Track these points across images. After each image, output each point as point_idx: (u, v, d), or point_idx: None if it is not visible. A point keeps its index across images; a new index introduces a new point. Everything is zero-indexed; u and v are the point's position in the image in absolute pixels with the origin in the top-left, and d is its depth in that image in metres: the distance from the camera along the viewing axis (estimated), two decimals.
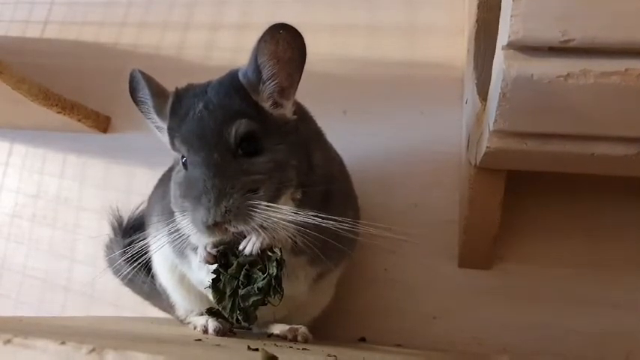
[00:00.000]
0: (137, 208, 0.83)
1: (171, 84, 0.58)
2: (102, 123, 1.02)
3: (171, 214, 0.55)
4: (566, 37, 0.42)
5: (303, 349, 0.47)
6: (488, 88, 0.53)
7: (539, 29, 0.42)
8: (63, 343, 0.31)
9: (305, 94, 0.57)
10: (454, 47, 0.85)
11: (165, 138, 0.57)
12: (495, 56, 0.47)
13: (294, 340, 0.56)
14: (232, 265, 0.51)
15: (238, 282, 0.51)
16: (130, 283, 0.81)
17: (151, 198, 0.71)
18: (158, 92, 0.57)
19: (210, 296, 0.52)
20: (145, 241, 0.59)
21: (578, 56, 0.42)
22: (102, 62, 1.06)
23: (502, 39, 0.45)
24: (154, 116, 0.58)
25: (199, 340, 0.46)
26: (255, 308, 0.50)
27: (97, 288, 0.93)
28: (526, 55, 0.44)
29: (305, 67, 0.53)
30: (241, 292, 0.50)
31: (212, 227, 0.49)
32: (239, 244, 0.50)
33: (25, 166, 1.06)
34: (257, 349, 0.38)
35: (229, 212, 0.48)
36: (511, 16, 0.43)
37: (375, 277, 0.81)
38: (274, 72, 0.52)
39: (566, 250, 0.75)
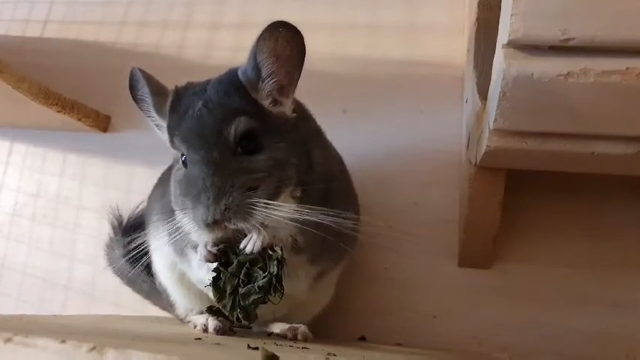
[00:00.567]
0: (137, 207, 0.83)
1: (171, 83, 0.58)
2: (102, 122, 1.02)
3: (171, 212, 0.55)
4: (566, 36, 0.42)
5: (303, 347, 0.47)
6: (488, 87, 0.53)
7: (540, 28, 0.42)
8: (63, 341, 0.31)
9: (305, 93, 0.57)
10: (454, 46, 0.85)
11: (164, 136, 0.57)
12: (495, 55, 0.47)
13: (294, 339, 0.56)
14: (232, 263, 0.51)
15: (239, 280, 0.51)
16: (129, 282, 0.81)
17: (151, 197, 0.71)
18: (158, 90, 0.58)
19: (211, 294, 0.52)
20: (145, 239, 0.59)
21: (579, 55, 0.42)
22: (102, 61, 1.06)
23: (502, 38, 0.45)
24: (154, 114, 0.58)
25: (199, 338, 0.46)
26: (255, 307, 0.50)
27: (97, 287, 0.93)
28: (526, 54, 0.44)
29: (305, 65, 0.52)
30: (242, 290, 0.50)
31: (212, 225, 0.49)
32: (239, 242, 0.51)
33: (25, 165, 1.06)
34: (257, 348, 0.38)
35: (229, 210, 0.48)
36: (511, 15, 0.42)
37: (375, 276, 0.81)
38: (273, 70, 0.52)
39: (566, 250, 0.75)
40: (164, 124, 0.57)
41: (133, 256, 0.66)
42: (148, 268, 0.73)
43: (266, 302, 0.50)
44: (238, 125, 0.50)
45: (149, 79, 0.57)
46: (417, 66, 0.87)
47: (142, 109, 0.59)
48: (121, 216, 0.83)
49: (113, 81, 0.96)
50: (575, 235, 0.75)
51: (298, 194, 0.52)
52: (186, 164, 0.52)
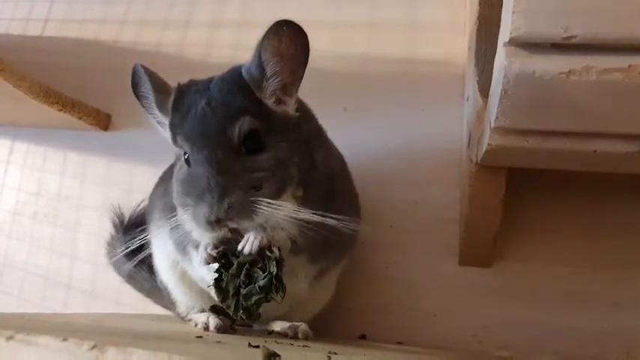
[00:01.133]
0: (138, 206, 0.83)
1: (172, 81, 0.58)
2: (102, 121, 1.02)
3: (173, 210, 0.55)
4: (568, 34, 0.42)
5: (303, 346, 0.47)
6: (489, 85, 0.53)
7: (541, 26, 0.42)
8: (64, 339, 0.31)
9: (305, 92, 0.57)
10: (455, 44, 0.85)
11: (166, 134, 0.57)
12: (497, 53, 0.47)
13: (295, 337, 0.56)
14: (233, 265, 0.51)
15: (240, 282, 0.51)
16: (131, 280, 0.81)
17: (153, 195, 0.71)
18: (160, 87, 0.57)
19: (214, 295, 0.52)
20: (146, 236, 0.59)
21: (581, 53, 0.42)
22: (102, 60, 1.06)
23: (504, 36, 0.45)
24: (156, 112, 0.58)
25: (200, 337, 0.46)
26: (258, 307, 0.50)
27: (98, 285, 0.94)
28: (528, 52, 0.43)
29: None
30: (243, 291, 0.50)
31: (214, 223, 0.49)
32: (238, 244, 0.51)
33: (26, 164, 1.06)
34: (258, 346, 0.38)
35: (232, 209, 0.48)
36: (513, 13, 0.42)
37: (376, 274, 0.81)
38: (277, 69, 0.52)
39: (567, 249, 0.75)
40: (166, 121, 0.57)
41: (134, 254, 0.66)
42: (149, 267, 0.73)
43: (269, 301, 0.50)
44: (242, 125, 0.50)
45: (151, 76, 0.57)
46: (417, 64, 0.87)
47: (143, 106, 0.59)
48: (122, 214, 0.83)
49: (114, 79, 0.96)
50: (575, 234, 0.75)
51: (300, 193, 0.52)
52: (189, 163, 0.52)
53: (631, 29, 0.41)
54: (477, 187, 0.64)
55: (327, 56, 0.88)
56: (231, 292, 0.51)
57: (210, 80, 0.55)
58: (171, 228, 0.56)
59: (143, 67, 0.58)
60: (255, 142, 0.51)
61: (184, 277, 0.64)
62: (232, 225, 0.49)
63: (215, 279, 0.51)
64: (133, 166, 0.97)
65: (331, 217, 0.49)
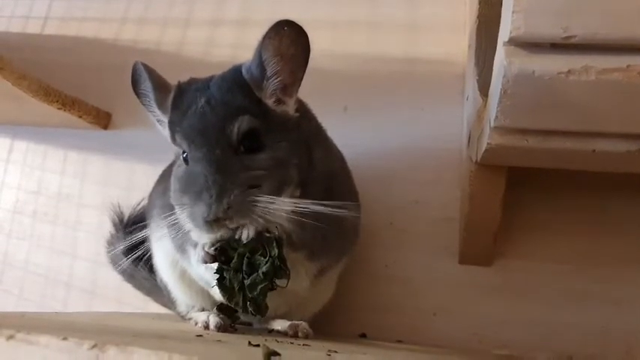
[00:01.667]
0: (138, 204, 0.83)
1: (171, 80, 0.58)
2: (102, 119, 1.01)
3: (172, 209, 0.55)
4: (567, 34, 0.42)
5: (303, 345, 0.48)
6: (489, 85, 0.53)
7: (541, 25, 0.42)
8: (65, 338, 0.31)
9: (305, 91, 0.57)
10: (455, 43, 0.85)
11: (166, 132, 0.57)
12: (496, 52, 0.47)
13: (295, 336, 0.56)
14: (233, 258, 0.51)
15: (242, 273, 0.50)
16: (131, 279, 0.81)
17: (152, 194, 0.71)
18: (160, 85, 0.57)
19: (218, 296, 0.52)
20: (146, 234, 0.59)
21: (580, 52, 0.42)
22: (102, 58, 1.05)
23: (503, 35, 0.45)
24: (156, 109, 0.58)
25: (200, 336, 0.46)
26: (264, 297, 0.50)
27: (98, 284, 0.94)
28: (527, 52, 0.43)
29: None
30: (247, 282, 0.50)
31: (212, 223, 0.49)
32: (236, 239, 0.50)
33: (25, 163, 1.06)
34: (258, 345, 0.38)
35: (230, 208, 0.48)
36: (513, 12, 0.42)
37: (376, 273, 0.81)
38: (278, 69, 0.52)
39: (567, 247, 0.75)
40: (166, 119, 0.56)
41: (134, 252, 0.66)
42: (150, 265, 0.73)
43: (274, 288, 0.50)
44: (241, 124, 0.50)
45: (151, 74, 0.57)
46: (417, 63, 0.87)
47: (143, 104, 0.59)
48: (122, 213, 0.83)
49: (114, 78, 0.96)
50: (575, 232, 0.75)
51: (298, 194, 0.52)
52: (188, 161, 0.52)
53: (630, 29, 0.41)
54: (476, 186, 0.64)
55: (327, 55, 0.88)
56: (236, 288, 0.50)
57: (210, 79, 0.55)
58: (170, 227, 0.56)
59: (143, 64, 0.58)
60: (254, 142, 0.51)
61: (184, 276, 0.64)
62: (231, 225, 0.49)
63: (217, 279, 0.51)
64: (133, 165, 0.97)
65: (332, 207, 0.48)
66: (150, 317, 0.71)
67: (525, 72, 0.44)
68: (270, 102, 0.53)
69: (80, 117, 0.97)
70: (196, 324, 0.59)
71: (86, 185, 1.00)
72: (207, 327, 0.56)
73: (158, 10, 1.05)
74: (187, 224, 0.52)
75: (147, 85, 0.57)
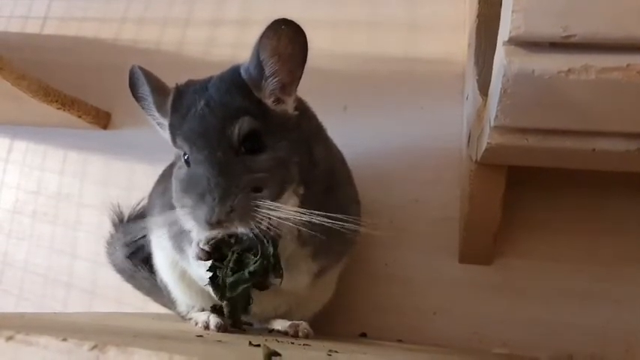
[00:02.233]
0: (138, 204, 0.83)
1: (171, 80, 0.58)
2: (102, 119, 1.01)
3: (172, 209, 0.55)
4: (567, 33, 0.42)
5: (304, 344, 0.47)
6: (489, 84, 0.53)
7: (541, 25, 0.42)
8: (64, 339, 0.31)
9: (305, 90, 0.57)
10: (455, 43, 0.85)
11: (166, 134, 0.57)
12: (496, 52, 0.47)
13: (296, 335, 0.56)
14: (227, 256, 0.51)
15: (227, 270, 0.50)
16: (131, 279, 0.81)
17: (152, 194, 0.71)
18: (158, 88, 0.57)
19: (213, 294, 0.52)
20: (144, 233, 0.59)
21: (580, 52, 0.42)
22: (102, 58, 1.05)
23: (503, 34, 0.45)
24: (155, 113, 0.58)
25: (201, 336, 0.46)
26: (245, 297, 0.49)
27: (98, 284, 0.94)
28: (527, 51, 0.43)
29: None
30: (229, 279, 0.50)
31: (214, 225, 0.49)
32: (231, 236, 0.50)
33: (25, 163, 1.06)
34: (258, 345, 0.38)
35: (234, 212, 0.48)
36: (512, 12, 0.42)
37: (376, 272, 0.81)
38: (276, 68, 0.51)
39: (567, 246, 0.75)
40: (165, 122, 0.56)
41: (134, 252, 0.66)
42: (150, 265, 0.73)
43: (267, 287, 0.49)
44: (242, 125, 0.50)
45: (149, 77, 0.57)
46: (417, 63, 0.87)
47: (142, 107, 0.59)
48: (121, 213, 0.83)
49: (113, 78, 0.95)
50: (575, 231, 0.75)
51: (301, 192, 0.52)
52: (189, 163, 0.52)
53: (630, 29, 0.41)
54: (476, 186, 0.64)
55: (326, 55, 0.88)
56: (227, 287, 0.50)
57: (208, 80, 0.55)
58: (170, 226, 0.56)
59: (141, 68, 0.57)
60: (254, 143, 0.51)
61: (184, 276, 0.64)
62: (232, 229, 0.49)
63: (210, 277, 0.51)
64: (133, 165, 0.97)
65: (333, 218, 0.49)
66: (150, 317, 0.71)
67: (525, 71, 0.43)
68: (269, 102, 0.53)
69: (80, 117, 0.97)
70: (196, 324, 0.59)
71: (86, 185, 1.00)
72: (207, 327, 0.56)
73: (158, 10, 1.05)
74: (187, 224, 0.52)
75: (145, 89, 0.57)
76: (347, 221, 0.49)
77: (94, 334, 0.37)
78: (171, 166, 0.60)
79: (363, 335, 0.77)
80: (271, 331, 0.59)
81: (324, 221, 0.49)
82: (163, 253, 0.66)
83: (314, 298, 0.66)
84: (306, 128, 0.56)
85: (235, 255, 0.50)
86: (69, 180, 1.02)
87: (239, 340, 0.44)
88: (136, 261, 0.78)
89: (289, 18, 0.50)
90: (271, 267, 0.49)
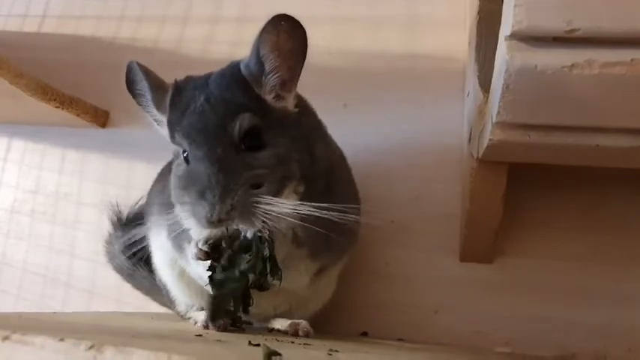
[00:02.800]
0: (136, 203, 0.82)
1: (170, 78, 0.57)
2: (100, 118, 1.01)
3: (171, 208, 0.55)
4: (570, 27, 0.41)
5: (304, 344, 0.47)
6: (490, 80, 0.53)
7: (544, 19, 0.41)
8: (62, 339, 0.31)
9: (305, 87, 0.56)
10: (455, 39, 0.84)
11: (164, 131, 0.56)
12: (498, 47, 0.47)
13: (296, 334, 0.55)
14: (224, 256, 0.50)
15: (219, 267, 0.50)
16: (130, 278, 0.81)
17: (151, 192, 0.71)
18: (156, 85, 0.57)
19: (212, 293, 0.52)
20: (143, 233, 0.59)
21: (583, 46, 0.42)
22: (100, 56, 1.05)
23: (505, 29, 0.44)
24: (153, 109, 0.57)
25: (200, 335, 0.46)
26: (247, 296, 0.49)
27: (97, 283, 0.93)
28: (530, 46, 0.43)
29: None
30: (218, 277, 0.49)
31: (215, 223, 0.48)
32: (229, 235, 0.50)
33: (24, 162, 1.06)
34: (258, 345, 0.38)
35: (234, 210, 0.48)
36: (514, 6, 0.42)
37: (376, 271, 0.80)
38: (276, 64, 0.51)
39: (569, 244, 0.74)
40: (164, 119, 0.56)
41: (132, 251, 0.66)
42: (149, 264, 0.72)
43: (265, 289, 0.49)
44: (242, 122, 0.50)
45: (147, 73, 0.57)
46: (418, 59, 0.87)
47: (140, 104, 0.58)
48: (120, 212, 0.83)
49: (111, 76, 0.95)
50: (577, 229, 0.74)
51: (301, 190, 0.52)
52: (189, 160, 0.52)
53: (634, 22, 0.40)
54: (477, 183, 0.64)
55: (326, 52, 0.88)
56: (214, 284, 0.50)
57: (208, 76, 0.54)
58: (169, 224, 0.55)
59: (138, 64, 0.57)
60: (255, 139, 0.50)
61: (183, 275, 0.64)
62: (233, 226, 0.49)
63: (209, 276, 0.51)
64: (132, 163, 0.97)
65: (332, 210, 0.48)
66: (149, 317, 0.71)
67: (528, 66, 0.43)
68: (269, 98, 0.52)
69: (78, 115, 0.97)
70: (196, 323, 0.59)
71: (84, 184, 1.00)
72: (206, 326, 0.55)
73: (156, 8, 1.05)
74: (187, 222, 0.52)
75: (143, 85, 0.57)
76: (347, 213, 0.49)
77: (91, 334, 0.36)
78: (170, 164, 0.60)
79: (364, 334, 0.77)
80: (271, 331, 0.59)
81: (324, 214, 0.48)
82: (162, 252, 0.65)
83: (314, 297, 0.65)
84: (306, 125, 0.56)
85: (228, 253, 0.50)
86: (67, 179, 1.01)
87: (239, 340, 0.44)
88: (135, 260, 0.77)
89: (287, 13, 0.50)
90: (269, 268, 0.48)
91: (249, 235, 0.49)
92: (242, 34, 0.95)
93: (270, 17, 0.49)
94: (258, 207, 0.48)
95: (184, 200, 0.51)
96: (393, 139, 0.84)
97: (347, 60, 0.90)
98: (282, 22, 0.49)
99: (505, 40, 0.44)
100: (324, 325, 0.64)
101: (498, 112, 0.47)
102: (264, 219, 0.48)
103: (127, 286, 0.83)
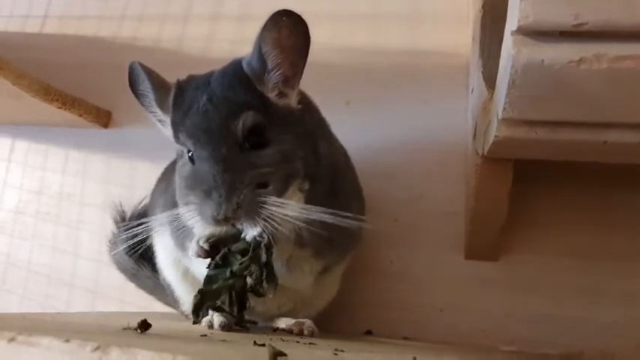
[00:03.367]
0: (140, 203, 0.82)
1: (171, 76, 0.57)
2: (103, 118, 1.01)
3: (175, 207, 0.55)
4: (578, 21, 0.40)
5: (310, 343, 0.47)
6: (494, 76, 0.52)
7: (550, 13, 0.41)
8: (67, 340, 0.31)
9: (307, 85, 0.56)
10: (459, 35, 0.83)
11: (168, 131, 0.56)
12: (504, 42, 0.46)
13: (300, 334, 0.55)
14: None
15: (212, 264, 0.50)
16: (134, 277, 0.81)
17: (154, 192, 0.71)
18: (159, 85, 0.56)
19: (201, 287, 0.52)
20: (147, 229, 0.59)
21: (591, 40, 0.41)
22: (102, 56, 1.05)
23: (511, 24, 0.43)
24: (156, 109, 0.57)
25: (205, 335, 0.46)
26: (244, 299, 0.49)
27: (101, 283, 0.93)
28: (536, 41, 0.42)
29: None
30: (209, 272, 0.49)
31: (221, 222, 0.48)
32: (232, 235, 0.50)
33: (27, 163, 1.06)
34: (263, 345, 0.38)
35: (240, 208, 0.48)
36: (521, 1, 0.41)
37: (381, 269, 0.80)
38: (278, 61, 0.51)
39: (575, 241, 0.74)
40: (167, 119, 0.56)
41: (136, 250, 0.66)
42: (152, 264, 0.72)
43: (261, 295, 0.49)
44: (246, 120, 0.49)
45: (149, 74, 0.56)
46: (421, 56, 0.86)
47: (143, 105, 0.58)
48: (123, 212, 0.83)
49: (113, 76, 0.95)
50: (583, 226, 0.74)
51: (306, 187, 0.52)
52: (193, 160, 0.52)
53: None
54: (483, 180, 0.63)
55: (328, 49, 0.87)
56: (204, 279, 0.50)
57: (210, 75, 0.54)
58: (172, 224, 0.55)
59: (140, 64, 0.57)
60: (258, 137, 0.50)
61: (187, 275, 0.64)
62: (238, 225, 0.49)
63: (207, 274, 0.51)
64: (134, 163, 0.97)
65: (338, 215, 0.48)
66: (153, 317, 0.70)
67: (534, 61, 0.42)
68: (272, 95, 0.52)
69: (80, 116, 0.97)
70: (200, 323, 0.58)
71: (88, 184, 1.00)
72: (211, 326, 0.55)
73: (157, 7, 1.05)
74: (191, 221, 0.52)
75: (146, 86, 0.56)
76: (352, 218, 0.48)
77: (96, 335, 0.36)
78: (173, 164, 0.60)
79: (369, 333, 0.77)
80: (276, 330, 0.59)
81: (328, 219, 0.48)
82: (166, 252, 0.65)
83: (318, 296, 0.65)
84: (309, 122, 0.55)
85: (224, 251, 0.50)
86: (71, 179, 1.02)
87: (244, 340, 0.44)
88: (139, 259, 0.77)
89: (289, 9, 0.49)
90: (264, 275, 0.48)
91: (248, 238, 0.49)
92: (243, 32, 0.94)
93: (271, 14, 0.49)
94: (264, 207, 0.48)
95: (190, 200, 0.51)
96: (396, 137, 0.84)
97: (349, 57, 0.89)
98: (284, 18, 0.49)
99: (511, 34, 0.43)
100: (329, 323, 0.64)
101: (504, 109, 0.47)
102: (270, 219, 0.48)
103: (131, 286, 0.83)
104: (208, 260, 0.51)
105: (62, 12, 1.12)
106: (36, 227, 1.02)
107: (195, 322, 0.52)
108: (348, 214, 0.49)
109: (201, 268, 0.56)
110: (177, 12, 1.03)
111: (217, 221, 0.48)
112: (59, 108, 0.94)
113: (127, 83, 0.58)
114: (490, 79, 0.58)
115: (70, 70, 1.04)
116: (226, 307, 0.50)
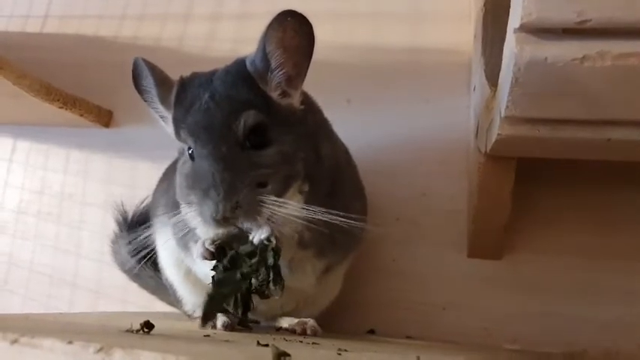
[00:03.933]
0: (142, 203, 0.82)
1: (172, 76, 0.57)
2: (104, 117, 1.01)
3: (177, 207, 0.55)
4: (581, 18, 0.40)
5: (313, 343, 0.47)
6: (497, 74, 0.52)
7: (553, 10, 0.40)
8: (70, 342, 0.30)
9: (308, 83, 0.55)
10: (460, 32, 0.83)
11: (169, 128, 0.56)
12: (507, 40, 0.46)
13: (303, 333, 0.55)
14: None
15: (220, 266, 0.49)
16: (136, 277, 0.81)
17: (156, 192, 0.71)
18: (162, 81, 0.56)
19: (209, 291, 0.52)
20: (150, 232, 0.59)
21: (595, 38, 0.40)
22: (102, 56, 1.05)
23: (514, 22, 0.43)
24: (158, 106, 0.57)
25: (208, 335, 0.46)
26: (247, 301, 0.49)
27: (103, 283, 0.93)
28: (539, 38, 0.42)
29: None
30: (218, 276, 0.49)
31: (220, 221, 0.48)
32: (237, 237, 0.50)
33: (28, 163, 1.06)
34: (267, 345, 0.37)
35: (240, 208, 0.47)
36: None
37: (384, 268, 0.80)
38: (282, 61, 0.51)
39: (578, 239, 0.73)
40: (169, 115, 0.56)
41: (138, 251, 0.66)
42: (155, 264, 0.72)
43: (267, 297, 0.49)
44: (247, 119, 0.49)
45: (153, 70, 0.56)
46: (422, 54, 0.86)
47: (145, 100, 0.58)
48: (125, 212, 0.83)
49: (114, 75, 0.95)
50: (586, 224, 0.74)
51: (306, 189, 0.51)
52: (194, 157, 0.51)
53: None
54: (485, 178, 0.63)
55: (329, 47, 0.86)
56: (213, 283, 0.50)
57: (213, 73, 0.54)
58: (174, 224, 0.55)
59: (144, 60, 0.57)
60: (260, 137, 0.50)
61: (189, 275, 0.64)
62: (238, 224, 0.49)
63: (213, 276, 0.51)
64: (136, 163, 0.97)
65: (338, 216, 0.48)
66: (156, 317, 0.70)
67: (537, 59, 0.42)
68: (275, 95, 0.52)
69: (81, 115, 0.97)
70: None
71: (89, 184, 1.00)
72: (214, 326, 0.55)
73: (157, 6, 1.04)
74: (193, 221, 0.52)
75: (149, 81, 0.56)
76: (353, 219, 0.48)
77: (99, 336, 0.36)
78: (175, 164, 0.59)
79: (372, 332, 0.77)
80: (278, 329, 0.59)
81: (329, 219, 0.48)
82: (168, 252, 0.65)
83: (321, 296, 0.65)
84: (311, 123, 0.55)
85: (232, 254, 0.49)
86: (72, 179, 1.02)
87: (247, 340, 0.44)
88: (141, 259, 0.77)
89: (294, 10, 0.49)
90: (271, 277, 0.48)
91: (255, 240, 0.49)
92: (244, 31, 0.94)
93: (274, 13, 0.49)
94: (263, 207, 0.47)
95: (190, 200, 0.51)
96: (398, 135, 0.84)
97: (350, 55, 0.89)
98: (289, 19, 0.49)
99: (514, 32, 0.43)
100: (331, 323, 0.64)
101: (507, 107, 0.46)
102: (271, 219, 0.48)
103: (133, 286, 0.83)
104: (213, 262, 0.51)
105: (63, 12, 1.11)
106: (38, 227, 1.02)
107: (203, 327, 0.52)
108: (349, 215, 0.48)
109: (203, 268, 0.56)
110: (177, 11, 1.03)
111: (217, 222, 0.48)
112: (60, 108, 0.93)
113: (128, 83, 0.58)
114: (492, 76, 0.57)
115: (71, 69, 1.04)
116: (231, 309, 0.50)
